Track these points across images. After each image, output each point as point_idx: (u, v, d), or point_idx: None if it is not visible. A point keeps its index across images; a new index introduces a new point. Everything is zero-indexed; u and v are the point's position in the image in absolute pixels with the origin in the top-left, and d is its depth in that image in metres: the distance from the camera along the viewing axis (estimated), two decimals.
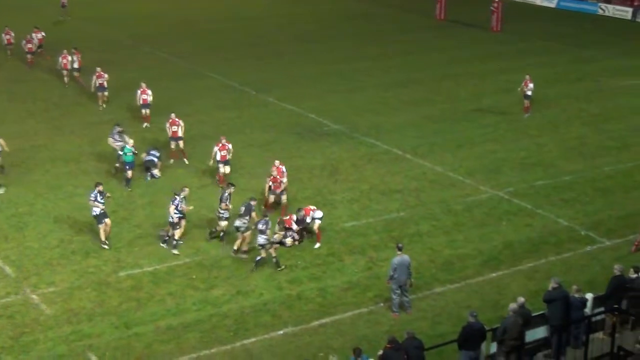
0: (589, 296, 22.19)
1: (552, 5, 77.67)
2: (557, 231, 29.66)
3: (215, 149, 32.74)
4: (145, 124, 39.83)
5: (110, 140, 34.63)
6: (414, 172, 35.06)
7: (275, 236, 26.66)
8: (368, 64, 54.07)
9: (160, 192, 32.15)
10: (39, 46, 52.77)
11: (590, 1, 76.42)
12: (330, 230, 29.19)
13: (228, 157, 32.95)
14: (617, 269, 22.37)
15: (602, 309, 22.05)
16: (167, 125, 35.39)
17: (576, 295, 21.46)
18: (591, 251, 28.26)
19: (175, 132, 35.20)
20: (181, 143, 35.49)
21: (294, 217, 28.29)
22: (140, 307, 24.47)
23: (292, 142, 38.43)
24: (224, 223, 28.12)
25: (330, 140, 38.95)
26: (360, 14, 73.11)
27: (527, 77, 42.54)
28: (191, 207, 28.20)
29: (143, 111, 40.04)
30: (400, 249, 23.99)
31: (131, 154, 32.58)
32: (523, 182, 33.87)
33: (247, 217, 27.34)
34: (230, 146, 33.04)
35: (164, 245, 27.92)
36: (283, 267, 26.49)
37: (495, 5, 65.30)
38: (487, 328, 20.51)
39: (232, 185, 28.83)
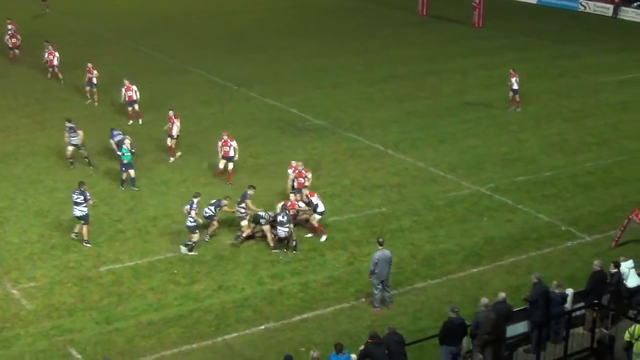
0: (569, 291, 22.33)
1: (534, 1, 77.87)
2: (538, 227, 29.80)
3: (219, 144, 32.68)
4: (131, 121, 39.35)
5: (111, 142, 33.95)
6: (396, 167, 35.12)
7: (301, 204, 28.01)
8: (350, 59, 54.04)
9: (142, 187, 32.08)
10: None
11: None
12: None
13: (231, 154, 32.62)
14: (597, 264, 22.50)
15: (582, 304, 22.19)
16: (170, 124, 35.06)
17: (556, 291, 21.57)
18: (571, 247, 28.41)
19: (170, 130, 34.92)
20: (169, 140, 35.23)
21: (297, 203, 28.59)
22: (121, 302, 24.41)
23: (274, 137, 38.39)
24: (244, 222, 28.05)
25: (312, 135, 38.94)
26: (342, 9, 73.05)
27: (511, 71, 42.73)
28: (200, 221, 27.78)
29: (129, 108, 39.44)
30: (381, 244, 24.03)
31: (129, 153, 31.82)
32: (504, 178, 34.00)
33: (243, 205, 27.73)
34: (234, 143, 32.72)
35: (236, 242, 27.78)
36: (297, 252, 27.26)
37: (477, 1, 65.43)
38: (468, 323, 20.59)
39: (253, 187, 28.57)
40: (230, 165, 32.78)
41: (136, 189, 31.99)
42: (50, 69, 46.62)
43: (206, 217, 27.67)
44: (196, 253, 27.12)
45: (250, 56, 54.35)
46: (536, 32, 64.12)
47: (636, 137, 39.41)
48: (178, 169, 34.26)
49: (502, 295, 21.16)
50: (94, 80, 42.37)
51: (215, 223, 27.85)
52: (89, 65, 42.62)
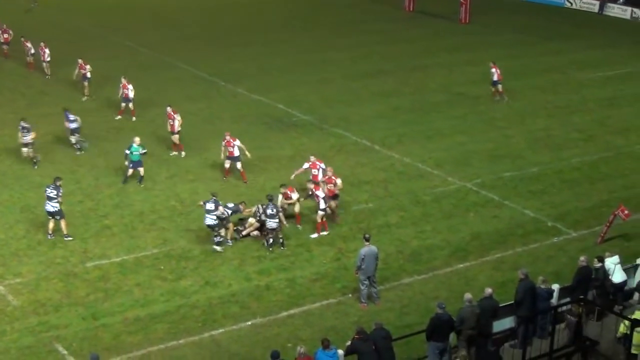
0: (555, 287, 22.41)
1: None
2: (524, 222, 29.88)
3: (222, 144, 32.56)
4: (119, 117, 39.60)
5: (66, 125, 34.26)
6: (382, 163, 35.14)
7: (316, 189, 28.32)
8: (337, 54, 53.99)
9: (129, 183, 32.02)
10: None
11: None
12: None
13: (236, 153, 32.41)
14: (583, 260, 22.57)
15: (568, 299, 22.27)
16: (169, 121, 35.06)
17: (542, 286, 21.65)
18: (557, 242, 28.50)
19: (172, 126, 34.90)
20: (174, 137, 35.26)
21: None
22: (107, 298, 24.36)
23: (261, 133, 38.35)
24: (251, 219, 28.09)
25: (299, 131, 38.93)
26: (328, 4, 73.03)
27: (491, 64, 42.96)
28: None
29: (123, 105, 39.60)
30: (367, 240, 24.05)
31: (138, 153, 31.68)
32: (491, 174, 34.07)
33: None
34: (237, 142, 32.52)
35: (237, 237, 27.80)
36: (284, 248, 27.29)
37: None
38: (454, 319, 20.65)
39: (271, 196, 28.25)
40: (239, 164, 32.57)
41: (142, 185, 31.99)
42: (44, 64, 46.65)
43: (221, 219, 27.17)
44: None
45: (237, 52, 54.25)
46: (522, 28, 64.23)
47: (622, 133, 39.55)
48: (164, 164, 34.19)
49: (488, 290, 21.20)
50: (88, 75, 42.46)
51: (230, 225, 27.63)
52: (80, 61, 42.60)
